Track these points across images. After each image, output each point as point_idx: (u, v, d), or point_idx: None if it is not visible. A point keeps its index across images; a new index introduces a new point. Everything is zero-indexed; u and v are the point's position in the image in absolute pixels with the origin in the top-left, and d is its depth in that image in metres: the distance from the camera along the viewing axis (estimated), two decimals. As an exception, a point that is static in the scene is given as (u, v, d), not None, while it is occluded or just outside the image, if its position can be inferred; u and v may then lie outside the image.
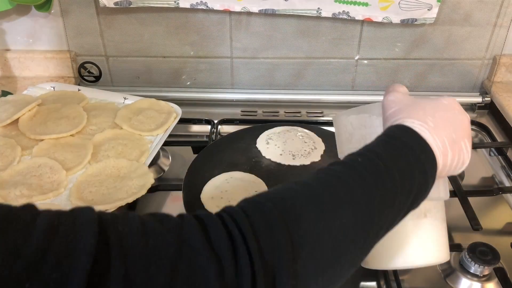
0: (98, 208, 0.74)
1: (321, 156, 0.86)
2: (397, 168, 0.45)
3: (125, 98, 1.00)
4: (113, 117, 0.93)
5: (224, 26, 1.04)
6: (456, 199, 0.81)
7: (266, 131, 0.92)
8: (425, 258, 0.59)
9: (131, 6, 0.99)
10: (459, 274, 0.70)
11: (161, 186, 0.84)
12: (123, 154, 0.84)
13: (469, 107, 1.11)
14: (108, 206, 0.73)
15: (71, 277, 0.30)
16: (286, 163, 0.84)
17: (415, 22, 0.99)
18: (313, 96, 1.11)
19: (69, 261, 0.30)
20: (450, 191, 0.82)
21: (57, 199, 0.75)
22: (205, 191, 0.77)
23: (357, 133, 0.58)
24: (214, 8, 0.99)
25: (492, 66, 1.09)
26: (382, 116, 0.54)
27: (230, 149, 0.88)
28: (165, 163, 0.93)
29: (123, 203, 0.74)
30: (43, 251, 0.30)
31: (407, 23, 1.00)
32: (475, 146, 1.01)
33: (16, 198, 0.74)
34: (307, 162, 0.84)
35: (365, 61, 1.09)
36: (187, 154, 0.95)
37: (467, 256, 0.69)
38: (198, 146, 0.95)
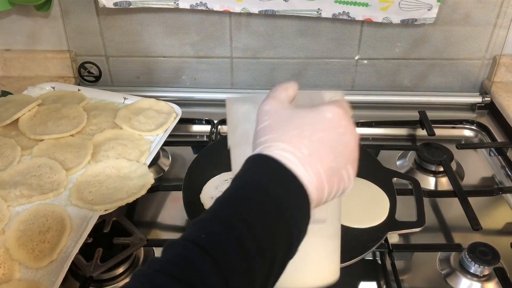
0: (98, 208, 0.75)
1: (321, 156, 0.86)
2: (254, 238, 0.36)
3: (125, 98, 1.00)
4: (113, 117, 0.93)
5: (224, 26, 1.04)
6: (456, 199, 0.81)
7: (266, 131, 0.92)
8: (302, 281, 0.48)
9: (131, 6, 0.99)
10: (459, 274, 0.70)
11: (161, 186, 0.84)
12: (123, 154, 0.84)
13: (469, 107, 1.11)
14: (108, 206, 0.73)
15: None
16: (286, 163, 0.84)
17: (415, 22, 0.99)
18: (313, 96, 1.11)
19: None
20: (450, 191, 0.84)
21: (57, 199, 0.75)
22: (204, 191, 0.77)
23: (241, 126, 0.50)
24: (214, 9, 0.99)
25: (492, 66, 1.09)
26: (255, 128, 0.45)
27: (230, 149, 0.88)
28: (165, 163, 0.93)
29: (123, 203, 0.74)
30: None
31: (407, 23, 1.00)
32: (475, 146, 1.01)
33: (16, 198, 0.74)
34: (307, 162, 0.84)
35: (365, 61, 1.09)
36: (187, 154, 0.95)
37: (467, 256, 0.69)
38: (198, 146, 0.95)
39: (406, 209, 0.77)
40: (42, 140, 0.86)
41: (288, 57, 1.09)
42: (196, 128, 1.05)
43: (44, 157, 0.82)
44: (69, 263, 0.65)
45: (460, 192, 0.82)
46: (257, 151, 0.41)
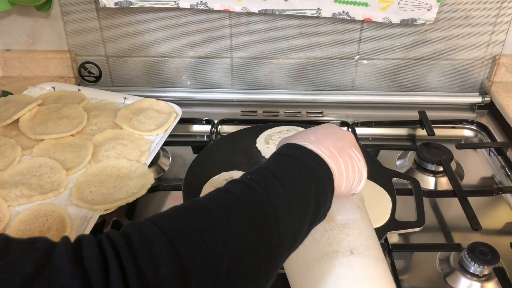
0: (98, 208, 0.75)
1: (321, 156, 0.86)
2: (287, 176, 0.46)
3: (125, 98, 1.00)
4: (113, 117, 0.93)
5: (224, 26, 1.04)
6: (455, 199, 0.81)
7: (266, 131, 0.92)
8: None
9: (131, 6, 0.99)
10: (459, 274, 0.70)
11: (161, 186, 0.85)
12: (123, 154, 0.84)
13: (469, 107, 1.11)
14: (108, 206, 0.73)
15: None
16: (286, 163, 0.84)
17: (415, 22, 0.99)
18: (313, 96, 1.11)
19: None
20: (450, 191, 0.84)
21: (57, 199, 0.75)
22: (204, 191, 0.77)
23: None
24: (214, 8, 0.99)
25: (491, 66, 1.09)
26: None
27: (230, 149, 0.88)
28: (165, 163, 0.93)
29: (123, 203, 0.74)
30: None
31: (406, 23, 1.00)
32: (475, 146, 1.01)
33: (16, 198, 0.74)
34: (307, 162, 0.84)
35: (365, 61, 1.09)
36: (187, 154, 0.95)
37: (466, 256, 0.69)
38: (198, 146, 0.95)
39: (406, 209, 0.77)
40: (42, 140, 0.86)
41: (288, 57, 1.09)
42: (196, 128, 1.05)
43: (45, 157, 0.82)
44: (70, 263, 0.65)
45: (459, 192, 0.82)
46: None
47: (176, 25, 1.05)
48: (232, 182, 0.46)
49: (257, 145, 0.89)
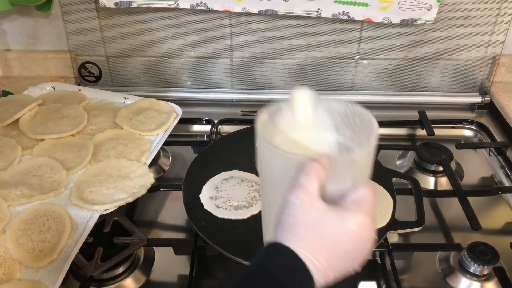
0: (98, 207, 0.75)
1: (321, 156, 0.86)
2: None
3: (125, 98, 1.00)
4: (113, 117, 0.93)
5: (224, 26, 1.04)
6: (455, 199, 0.81)
7: (266, 131, 0.92)
8: None
9: (131, 6, 0.99)
10: (459, 273, 0.70)
11: (161, 186, 0.85)
12: (123, 154, 0.84)
13: (469, 107, 1.11)
14: (108, 206, 0.73)
15: None
16: (286, 163, 0.84)
17: (415, 22, 0.99)
18: (313, 96, 1.11)
19: None
20: (450, 191, 0.84)
21: (57, 198, 0.75)
22: (204, 191, 0.78)
23: (280, 180, 0.46)
24: (214, 9, 0.99)
25: (491, 66, 1.09)
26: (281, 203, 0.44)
27: (230, 149, 0.88)
28: (165, 163, 0.93)
29: (123, 203, 0.74)
30: None
31: (406, 23, 1.00)
32: (475, 146, 1.01)
33: (16, 198, 0.74)
34: (307, 162, 0.84)
35: (365, 61, 1.09)
36: (187, 154, 0.95)
37: (466, 255, 0.69)
38: (198, 146, 0.96)
39: (406, 208, 0.77)
40: (42, 140, 0.86)
41: (288, 57, 1.09)
42: (196, 128, 1.05)
43: (45, 157, 0.82)
44: (70, 263, 0.65)
45: (459, 192, 0.82)
46: (278, 241, 0.42)
47: (176, 25, 1.05)
48: None
49: (257, 145, 0.89)
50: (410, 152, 0.95)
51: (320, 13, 0.99)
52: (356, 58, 1.09)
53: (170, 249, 0.76)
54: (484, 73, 1.11)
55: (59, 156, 0.83)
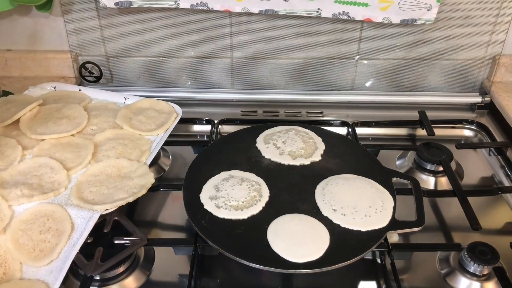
0: (99, 207, 0.75)
1: (321, 156, 0.86)
2: None
3: (125, 98, 1.00)
4: (113, 117, 0.93)
5: (224, 26, 1.05)
6: (455, 199, 0.81)
7: (266, 131, 0.92)
8: None
9: (132, 6, 0.99)
10: (459, 273, 0.70)
11: (161, 185, 0.85)
12: (123, 154, 0.85)
13: (469, 107, 1.11)
14: (109, 205, 0.73)
15: None
16: (286, 163, 0.84)
17: (415, 23, 0.99)
18: (313, 96, 1.11)
19: None
20: (450, 191, 0.84)
21: (57, 198, 0.76)
22: (204, 191, 0.78)
23: None
24: (215, 9, 0.99)
25: (491, 66, 1.09)
26: None
27: (230, 149, 0.88)
28: (165, 163, 0.93)
29: (123, 202, 0.74)
30: None
31: (407, 24, 1.00)
32: (474, 146, 1.01)
33: (17, 198, 0.74)
34: (307, 162, 0.85)
35: (365, 61, 1.09)
36: (187, 154, 0.95)
37: (466, 255, 0.69)
38: (198, 146, 0.96)
39: (406, 208, 0.77)
40: (43, 140, 0.86)
41: (288, 57, 1.09)
42: (196, 128, 1.05)
43: (45, 157, 0.82)
44: (70, 263, 0.65)
45: (459, 192, 0.82)
46: None
47: (176, 25, 1.05)
48: None
49: (257, 145, 0.89)
50: (410, 152, 0.95)
51: (320, 13, 0.99)
52: (356, 58, 1.09)
53: (170, 249, 0.76)
54: (484, 73, 1.11)
55: (60, 156, 0.83)
